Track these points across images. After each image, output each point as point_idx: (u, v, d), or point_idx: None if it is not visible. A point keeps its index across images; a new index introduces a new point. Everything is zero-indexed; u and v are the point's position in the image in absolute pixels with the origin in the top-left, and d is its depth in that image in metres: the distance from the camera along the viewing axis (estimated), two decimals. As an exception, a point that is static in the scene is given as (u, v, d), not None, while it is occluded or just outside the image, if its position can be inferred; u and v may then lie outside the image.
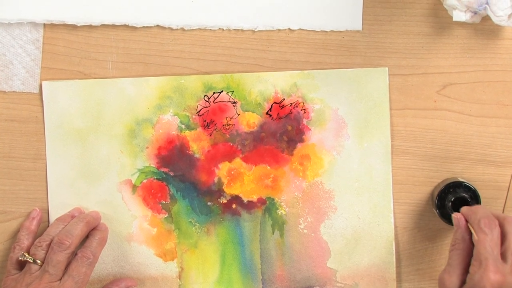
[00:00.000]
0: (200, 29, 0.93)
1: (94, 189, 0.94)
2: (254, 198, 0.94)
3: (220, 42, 0.93)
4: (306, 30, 0.93)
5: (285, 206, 0.93)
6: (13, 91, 0.94)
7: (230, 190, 0.94)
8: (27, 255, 0.89)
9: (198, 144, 0.94)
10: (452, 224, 0.86)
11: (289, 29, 0.93)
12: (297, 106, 0.93)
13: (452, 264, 0.80)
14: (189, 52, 0.93)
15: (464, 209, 0.82)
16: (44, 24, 0.93)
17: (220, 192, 0.94)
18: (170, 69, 0.93)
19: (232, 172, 0.94)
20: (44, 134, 0.94)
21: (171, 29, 0.93)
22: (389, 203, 0.93)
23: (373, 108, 0.93)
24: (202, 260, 0.94)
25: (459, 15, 0.88)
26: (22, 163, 0.94)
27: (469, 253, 0.80)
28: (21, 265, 0.90)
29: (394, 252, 0.94)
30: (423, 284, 0.94)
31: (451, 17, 0.88)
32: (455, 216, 0.82)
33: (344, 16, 0.92)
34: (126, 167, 0.94)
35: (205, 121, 0.94)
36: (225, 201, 0.94)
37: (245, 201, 0.94)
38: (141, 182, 0.94)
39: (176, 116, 0.94)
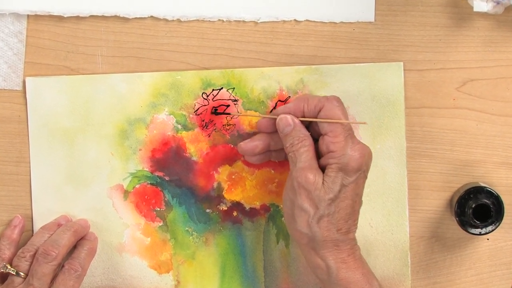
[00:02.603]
0: (198, 20, 0.93)
1: (82, 195, 0.94)
2: (257, 204, 0.94)
3: (220, 35, 0.93)
4: (314, 21, 0.93)
5: (290, 213, 0.93)
6: (-6, 88, 0.94)
7: (231, 196, 0.94)
8: (9, 267, 0.89)
9: (195, 146, 0.94)
10: (473, 233, 0.88)
11: (295, 20, 0.93)
12: None
13: (307, 160, 0.84)
14: (186, 46, 0.93)
15: (282, 108, 0.87)
16: (28, 15, 0.93)
17: (219, 198, 0.94)
18: (165, 64, 0.93)
19: (233, 177, 0.94)
20: (28, 135, 0.94)
21: (166, 20, 0.93)
22: (404, 210, 0.93)
23: (387, 106, 0.93)
24: (200, 273, 0.94)
25: (480, 5, 0.88)
26: (3, 167, 0.94)
27: (313, 145, 0.85)
28: (3, 277, 0.90)
29: (409, 263, 0.94)
30: (441, 298, 0.95)
31: (472, 7, 0.89)
32: (283, 119, 0.85)
33: (355, 6, 0.92)
34: (117, 171, 0.94)
35: (203, 120, 0.94)
36: (225, 208, 0.94)
37: (247, 208, 0.94)
38: (134, 187, 0.94)
39: (171, 116, 0.94)
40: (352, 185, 0.83)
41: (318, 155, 0.86)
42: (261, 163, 0.92)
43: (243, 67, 0.93)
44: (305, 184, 0.83)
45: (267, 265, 0.94)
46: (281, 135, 0.86)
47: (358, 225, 0.91)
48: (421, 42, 0.93)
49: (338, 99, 0.86)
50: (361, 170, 0.84)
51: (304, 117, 0.86)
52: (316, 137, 0.86)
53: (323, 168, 0.84)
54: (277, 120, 0.87)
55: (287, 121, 0.86)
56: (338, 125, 0.84)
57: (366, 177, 0.85)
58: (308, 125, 0.87)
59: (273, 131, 0.88)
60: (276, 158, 0.91)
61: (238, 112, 0.93)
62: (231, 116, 0.92)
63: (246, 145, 0.89)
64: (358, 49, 0.93)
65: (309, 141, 0.85)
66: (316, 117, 0.86)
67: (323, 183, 0.83)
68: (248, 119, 0.93)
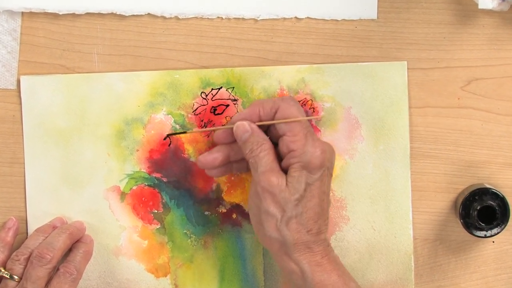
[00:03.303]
0: (196, 17, 0.93)
1: (78, 197, 0.94)
2: None
3: (219, 33, 0.93)
4: (315, 18, 0.93)
5: (291, 215, 0.93)
6: (-12, 87, 0.94)
7: (230, 198, 0.94)
8: (3, 270, 0.89)
9: (194, 147, 0.94)
10: (478, 236, 0.88)
11: (295, 17, 0.93)
12: (305, 105, 0.93)
13: (268, 163, 0.84)
14: (184, 44, 0.93)
15: (238, 116, 0.87)
16: (22, 13, 0.93)
17: (218, 200, 0.94)
18: (163, 62, 0.93)
19: (232, 178, 0.94)
20: (22, 135, 0.94)
21: (164, 17, 0.93)
22: (408, 212, 0.93)
23: (390, 106, 0.93)
24: (198, 276, 0.94)
25: (485, 2, 0.88)
26: (-3, 168, 0.94)
27: (273, 148, 0.85)
28: (-3, 281, 0.90)
29: (413, 267, 0.93)
30: (445, 303, 0.95)
31: (477, 4, 0.89)
32: (240, 126, 0.86)
33: (357, 3, 0.92)
34: (113, 172, 0.94)
35: (202, 121, 0.94)
36: (225, 211, 0.94)
37: (246, 211, 0.94)
38: (131, 189, 0.94)
39: (169, 115, 0.94)
40: (317, 183, 0.84)
41: (280, 158, 0.86)
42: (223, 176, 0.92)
43: (242, 65, 0.93)
44: (269, 188, 0.83)
45: (267, 269, 0.94)
46: (240, 142, 0.87)
47: (360, 228, 0.93)
48: (425, 40, 0.93)
49: (292, 98, 0.87)
50: (325, 167, 0.84)
51: (261, 121, 0.87)
52: (276, 141, 0.87)
53: (286, 170, 0.85)
54: (234, 128, 0.87)
55: (244, 127, 0.86)
56: (296, 123, 0.85)
57: (331, 175, 0.86)
58: (267, 130, 0.88)
59: (232, 141, 0.88)
60: (238, 170, 0.91)
61: (238, 112, 0.93)
62: (187, 133, 0.92)
63: (205, 158, 0.89)
64: (360, 47, 0.93)
65: (268, 144, 0.85)
66: (272, 120, 0.86)
67: (287, 184, 0.83)
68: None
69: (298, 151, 0.84)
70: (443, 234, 0.94)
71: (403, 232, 0.93)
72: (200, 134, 0.93)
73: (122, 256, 0.94)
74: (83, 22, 0.93)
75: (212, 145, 0.93)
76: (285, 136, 0.85)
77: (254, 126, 0.86)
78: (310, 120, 0.92)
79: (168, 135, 0.92)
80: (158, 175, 0.94)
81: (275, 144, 0.86)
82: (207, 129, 0.92)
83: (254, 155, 0.85)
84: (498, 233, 0.89)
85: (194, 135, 0.93)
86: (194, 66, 0.93)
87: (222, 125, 0.92)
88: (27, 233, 0.94)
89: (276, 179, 0.83)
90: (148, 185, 0.94)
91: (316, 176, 0.83)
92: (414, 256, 0.93)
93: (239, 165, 0.90)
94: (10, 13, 0.93)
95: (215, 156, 0.88)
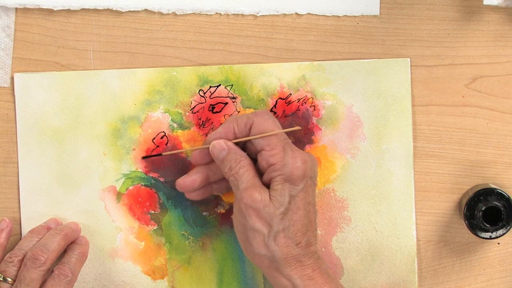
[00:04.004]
0: (194, 13, 0.93)
1: (73, 197, 0.94)
2: None
3: (218, 29, 0.93)
4: (316, 14, 0.93)
5: (291, 216, 0.93)
6: (-19, 85, 0.94)
7: (229, 198, 0.94)
8: (-4, 272, 0.89)
9: (192, 146, 0.93)
10: (483, 237, 0.88)
11: (296, 13, 0.93)
12: (305, 103, 0.93)
13: (249, 180, 0.84)
14: (182, 40, 0.93)
15: (213, 135, 0.87)
16: (16, 9, 0.93)
17: (217, 200, 0.94)
18: (160, 59, 0.93)
19: None
20: (16, 134, 0.94)
21: (161, 13, 0.93)
22: (411, 213, 0.93)
23: (393, 104, 0.93)
24: (196, 279, 0.94)
25: (491, -2, 0.89)
26: (-10, 167, 0.94)
27: (252, 164, 0.86)
28: (-11, 283, 0.90)
29: (416, 269, 0.93)
30: (449, 306, 0.95)
31: (481, 0, 0.89)
32: (216, 145, 0.86)
33: (359, -1, 0.92)
34: (109, 171, 0.94)
35: (200, 119, 0.93)
36: (223, 211, 0.94)
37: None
38: (127, 189, 0.94)
39: (167, 114, 0.94)
40: (301, 194, 0.84)
41: (260, 173, 0.86)
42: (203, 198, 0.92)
43: (242, 63, 0.93)
44: (252, 204, 0.83)
45: None
46: (218, 161, 0.87)
47: (362, 229, 0.93)
48: (428, 36, 0.93)
49: (266, 112, 0.87)
50: (307, 177, 0.84)
51: (236, 138, 0.87)
52: (254, 156, 0.87)
53: (267, 185, 0.85)
54: (210, 147, 0.87)
55: (221, 146, 0.86)
56: (273, 137, 0.85)
57: (315, 184, 0.86)
58: (244, 146, 0.88)
59: (209, 161, 0.89)
60: (218, 191, 0.91)
61: (237, 110, 0.93)
62: (163, 155, 0.92)
63: (184, 181, 0.89)
64: (362, 44, 0.93)
65: (247, 161, 0.86)
66: (248, 136, 0.86)
67: (270, 198, 0.83)
68: None
69: (278, 164, 0.84)
70: (447, 235, 0.94)
71: (406, 233, 0.93)
72: (198, 132, 0.93)
73: (118, 258, 0.94)
74: (78, 18, 0.93)
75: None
76: (263, 151, 0.85)
77: (230, 143, 0.87)
78: (311, 121, 0.92)
79: (143, 158, 0.93)
80: (155, 175, 0.94)
81: (254, 160, 0.87)
82: (182, 150, 0.92)
83: (233, 172, 0.85)
84: (503, 234, 0.89)
85: (191, 133, 0.93)
86: (192, 63, 0.93)
87: (199, 146, 0.91)
88: (20, 234, 0.94)
89: (259, 195, 0.84)
90: (144, 185, 0.94)
91: (299, 187, 0.84)
92: (417, 258, 0.93)
93: (218, 185, 0.90)
94: (4, 9, 0.93)
95: (194, 178, 0.89)
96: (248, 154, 0.87)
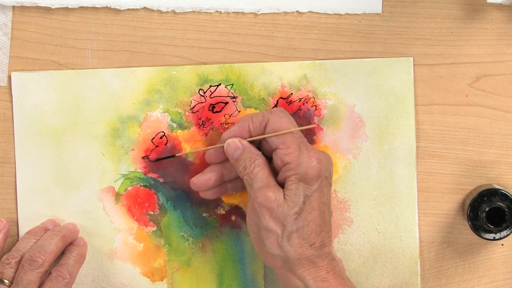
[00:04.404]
0: (194, 12, 0.93)
1: (70, 198, 0.94)
2: None
3: (218, 27, 0.93)
4: (317, 13, 0.93)
5: (292, 217, 0.93)
6: (-23, 84, 0.94)
7: (229, 199, 0.94)
8: (-7, 274, 0.89)
9: (192, 146, 0.94)
10: (487, 238, 0.88)
11: (297, 11, 0.93)
12: (307, 102, 0.93)
13: (263, 179, 0.84)
14: (182, 39, 0.93)
15: (227, 133, 0.87)
16: (13, 7, 0.93)
17: (217, 201, 0.94)
18: (159, 58, 0.93)
19: None
20: (13, 133, 0.94)
21: (160, 11, 0.93)
22: (414, 214, 0.93)
23: (395, 104, 0.93)
24: (196, 281, 0.94)
25: (495, -4, 0.89)
26: (-13, 168, 0.95)
27: (267, 163, 0.86)
28: (-14, 285, 0.90)
29: (419, 271, 0.94)
30: (453, 308, 0.95)
31: None
32: (231, 143, 0.86)
33: (361, -3, 0.93)
34: (108, 172, 0.94)
35: (200, 119, 0.93)
36: (223, 212, 0.94)
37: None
38: (126, 189, 0.94)
39: (166, 113, 0.93)
40: (316, 194, 0.83)
41: (275, 172, 0.86)
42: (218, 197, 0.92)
43: (242, 61, 0.93)
44: (266, 204, 0.83)
45: (268, 273, 0.94)
46: (232, 160, 0.87)
47: (365, 230, 0.93)
48: (431, 35, 0.93)
49: (282, 110, 0.87)
50: (322, 177, 0.84)
51: (251, 136, 0.87)
52: (269, 155, 0.87)
53: (282, 184, 0.85)
54: (224, 146, 0.87)
55: (236, 144, 0.86)
56: (288, 135, 0.85)
57: (330, 184, 0.86)
58: (259, 145, 0.88)
59: (224, 160, 0.89)
60: (233, 190, 0.91)
61: (237, 110, 0.93)
62: (176, 156, 0.92)
63: (199, 180, 0.89)
64: (364, 42, 0.93)
65: (261, 159, 0.85)
66: (263, 134, 0.86)
67: (284, 198, 0.83)
68: None
69: (293, 163, 0.84)
70: (450, 236, 0.94)
71: (409, 235, 0.93)
72: (197, 132, 0.93)
73: (116, 260, 0.94)
74: (76, 16, 0.93)
75: (207, 143, 0.93)
76: (278, 149, 0.85)
77: (245, 142, 0.86)
78: (312, 121, 0.92)
79: (156, 160, 0.93)
80: (154, 175, 0.93)
81: (269, 158, 0.87)
82: (196, 150, 0.92)
83: (248, 171, 0.85)
84: (507, 235, 0.89)
85: (191, 133, 0.93)
86: (191, 62, 0.93)
87: (214, 145, 0.91)
88: (18, 235, 0.94)
89: (273, 194, 0.83)
90: (143, 185, 0.94)
91: (314, 187, 0.83)
92: (420, 259, 0.93)
93: (233, 184, 0.90)
94: (1, 7, 0.93)
95: (209, 176, 0.89)
96: (263, 153, 0.87)
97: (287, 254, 0.83)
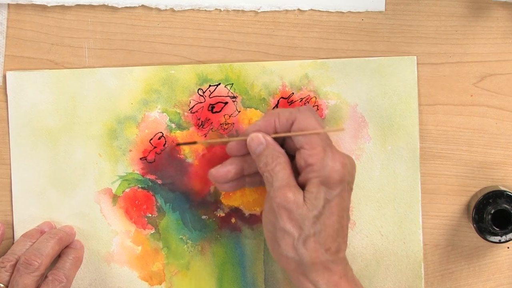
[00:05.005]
0: (193, 9, 0.93)
1: (67, 200, 0.94)
2: (257, 211, 0.94)
3: (217, 26, 0.93)
4: (319, 11, 0.93)
5: (293, 220, 0.94)
6: (-28, 84, 0.94)
7: (229, 201, 0.94)
8: (-12, 278, 0.89)
9: (191, 147, 0.93)
10: (492, 241, 0.88)
11: (298, 9, 0.93)
12: (308, 102, 0.93)
13: (284, 178, 0.83)
14: (180, 38, 0.93)
15: (252, 127, 0.86)
16: (8, 5, 0.93)
17: (216, 203, 0.94)
18: (157, 57, 0.93)
19: None
20: (8, 134, 0.94)
21: (158, 9, 0.93)
22: (417, 216, 0.93)
23: (399, 104, 0.93)
24: (195, 285, 0.94)
25: (500, -6, 0.90)
26: (-19, 169, 0.95)
27: (289, 162, 0.85)
28: (-19, 289, 0.90)
29: (423, 275, 0.93)
30: (457, 312, 0.95)
31: None
32: (254, 138, 0.85)
33: (364, -5, 0.93)
34: (105, 173, 0.94)
35: (199, 119, 0.93)
36: (223, 215, 0.94)
37: (246, 215, 0.94)
38: (123, 191, 0.94)
39: (164, 114, 0.93)
40: (337, 199, 0.83)
41: (296, 172, 0.85)
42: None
43: (242, 61, 0.93)
44: (285, 204, 0.82)
45: (268, 277, 0.94)
46: (254, 155, 0.86)
47: (367, 233, 0.93)
48: (435, 33, 0.93)
49: (310, 109, 0.86)
50: (345, 182, 0.83)
51: (276, 133, 0.86)
52: (292, 154, 0.86)
53: (303, 185, 0.84)
54: (247, 140, 0.86)
55: (259, 139, 0.85)
56: (314, 136, 0.84)
57: (351, 190, 0.85)
58: (283, 142, 0.87)
59: (245, 153, 0.88)
60: (251, 184, 0.90)
61: (237, 110, 0.93)
62: (198, 143, 0.92)
63: (218, 172, 0.88)
64: (367, 41, 0.93)
65: (284, 158, 0.85)
66: (289, 131, 0.85)
67: (304, 200, 0.83)
68: (248, 116, 0.93)
69: (317, 165, 0.83)
70: (455, 239, 0.94)
71: (413, 238, 0.93)
72: (196, 133, 0.93)
73: (114, 263, 0.94)
74: (73, 14, 0.93)
75: (207, 144, 0.93)
76: (303, 149, 0.84)
77: (269, 138, 0.86)
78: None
79: (178, 144, 0.92)
80: (152, 177, 0.93)
81: (292, 157, 0.86)
82: (219, 140, 0.92)
83: (269, 169, 0.84)
84: (513, 238, 0.89)
85: (190, 134, 0.93)
86: (190, 61, 0.93)
87: (236, 136, 0.91)
88: (13, 238, 0.94)
89: (292, 195, 0.82)
90: (141, 187, 0.94)
91: (336, 192, 0.83)
92: (424, 263, 0.93)
93: (252, 179, 0.89)
94: (-4, 5, 0.93)
95: (228, 169, 0.88)
96: (286, 151, 0.86)
97: (302, 258, 0.82)
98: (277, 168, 0.84)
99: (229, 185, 0.88)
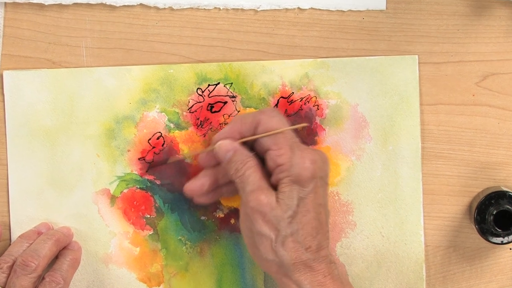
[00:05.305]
0: (191, 8, 0.93)
1: (64, 201, 0.94)
2: None
3: (216, 24, 0.93)
4: (319, 9, 0.93)
5: (294, 221, 0.94)
6: (-32, 83, 0.94)
7: (228, 202, 0.93)
8: (-16, 280, 0.89)
9: (189, 147, 0.93)
10: (494, 242, 0.89)
11: (298, 8, 0.93)
12: (308, 102, 0.93)
13: (255, 182, 0.83)
14: (179, 36, 0.93)
15: (218, 135, 0.87)
16: (5, 3, 0.93)
17: (216, 204, 0.94)
18: (156, 56, 0.93)
19: None
20: (5, 134, 0.94)
21: (157, 8, 0.93)
22: (419, 217, 0.93)
23: (400, 104, 0.93)
24: (194, 286, 0.94)
25: (502, -8, 0.90)
26: (-22, 170, 0.95)
27: (259, 165, 0.85)
28: (-22, 291, 0.90)
29: (424, 276, 0.93)
30: (459, 314, 0.95)
31: None
32: (222, 146, 0.85)
33: (364, -7, 0.93)
34: (103, 174, 0.94)
35: (198, 119, 0.93)
36: (222, 215, 0.94)
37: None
38: (121, 192, 0.94)
39: (163, 113, 0.93)
40: (311, 195, 0.83)
41: (268, 175, 0.85)
42: (213, 201, 0.91)
43: (241, 60, 0.93)
44: (258, 207, 0.82)
45: (268, 278, 0.94)
46: (224, 163, 0.86)
47: (368, 234, 0.93)
48: (437, 32, 0.92)
49: (273, 109, 0.87)
50: (317, 178, 0.83)
51: (243, 137, 0.86)
52: (262, 156, 0.86)
53: (276, 187, 0.84)
54: (215, 148, 0.86)
55: (226, 146, 0.86)
56: (280, 135, 0.84)
57: (327, 184, 0.85)
58: (252, 146, 0.87)
59: (217, 163, 0.88)
60: (228, 194, 0.90)
61: (237, 109, 0.93)
62: (168, 163, 0.92)
63: (192, 185, 0.88)
64: (368, 40, 0.93)
65: (253, 161, 0.85)
66: (255, 135, 0.85)
67: (277, 201, 0.82)
68: None
69: (286, 164, 0.83)
70: (456, 240, 0.94)
71: (414, 239, 0.93)
72: (196, 133, 0.93)
73: (112, 264, 0.94)
74: (70, 13, 0.93)
75: (206, 144, 0.93)
76: (270, 151, 0.84)
77: (236, 144, 0.86)
78: (314, 121, 0.92)
79: (148, 168, 0.92)
80: (150, 177, 0.93)
81: (263, 160, 0.86)
82: (187, 154, 0.92)
83: (239, 174, 0.84)
84: (516, 239, 0.90)
85: (189, 134, 0.93)
86: (189, 60, 0.93)
87: (206, 148, 0.91)
88: (10, 239, 0.94)
89: (265, 197, 0.82)
90: (140, 188, 0.93)
91: (309, 188, 0.82)
92: (425, 264, 0.93)
93: (228, 188, 0.89)
94: (-8, 3, 0.93)
95: (202, 181, 0.88)
96: (256, 155, 0.86)
97: (282, 259, 0.82)
98: (247, 172, 0.84)
99: (205, 197, 0.89)
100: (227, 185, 0.89)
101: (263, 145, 0.85)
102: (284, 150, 0.83)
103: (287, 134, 0.84)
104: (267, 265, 0.83)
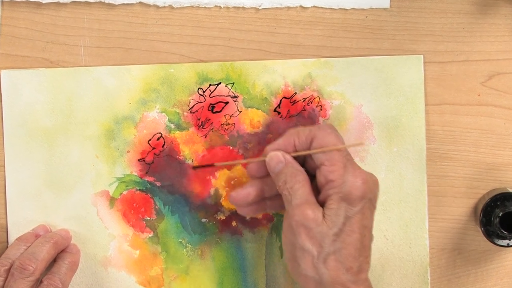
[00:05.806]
0: (192, 7, 0.93)
1: (63, 203, 0.94)
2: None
3: (217, 23, 0.93)
4: (322, 7, 0.93)
5: (296, 223, 0.94)
6: (-35, 83, 0.93)
7: (230, 204, 0.93)
8: (-19, 283, 0.89)
9: (190, 148, 0.93)
10: (500, 245, 0.88)
11: (301, 6, 0.93)
12: (311, 102, 0.93)
13: (303, 196, 0.83)
14: (179, 35, 0.93)
15: (271, 146, 0.86)
16: (2, 1, 0.93)
17: (217, 206, 0.94)
18: (156, 55, 0.93)
19: (232, 182, 0.94)
20: (3, 135, 0.93)
21: (156, 6, 0.93)
22: (424, 220, 0.93)
23: (405, 104, 0.92)
24: None
25: (508, -10, 0.90)
26: (-26, 171, 0.94)
27: (308, 180, 0.85)
28: (-25, 294, 0.90)
29: (429, 280, 0.93)
30: (464, 318, 0.95)
31: None
32: (274, 157, 0.85)
33: (368, -9, 0.93)
34: (102, 175, 0.93)
35: (199, 119, 0.93)
36: (223, 218, 0.94)
37: (247, 218, 0.94)
38: (121, 193, 0.94)
39: (163, 113, 0.93)
40: (358, 216, 0.82)
41: (317, 192, 0.85)
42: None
43: (243, 59, 0.93)
44: (304, 222, 0.82)
45: (270, 282, 0.94)
46: (273, 174, 0.86)
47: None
48: (442, 31, 0.93)
49: (330, 126, 0.86)
50: (366, 199, 0.82)
51: (296, 151, 0.86)
52: (313, 173, 0.86)
53: (323, 204, 0.83)
54: (266, 159, 0.86)
55: (278, 158, 0.85)
56: (335, 152, 0.84)
57: (374, 208, 0.84)
58: (303, 162, 0.87)
59: (265, 174, 0.87)
60: (272, 208, 0.89)
61: (238, 110, 0.93)
62: (215, 166, 0.92)
63: (238, 194, 0.88)
64: (371, 39, 0.93)
65: (303, 176, 0.84)
66: (309, 149, 0.85)
67: (324, 217, 0.82)
68: (249, 117, 0.93)
69: (337, 181, 0.82)
70: (462, 243, 0.94)
71: (419, 242, 0.93)
72: (197, 133, 0.93)
73: (111, 268, 0.94)
74: (68, 11, 0.93)
75: (207, 145, 0.92)
76: (323, 166, 0.84)
77: (288, 156, 0.85)
78: (317, 121, 0.92)
79: (194, 167, 0.92)
80: (150, 178, 0.93)
81: (313, 178, 0.85)
82: (237, 161, 0.92)
83: (288, 187, 0.84)
84: (522, 242, 0.89)
85: (190, 135, 0.93)
86: (190, 60, 0.93)
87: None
88: (7, 242, 0.94)
89: (311, 212, 0.82)
90: (139, 189, 0.93)
91: (357, 208, 0.82)
92: (430, 267, 0.93)
93: (273, 202, 0.88)
94: (-11, 2, 0.94)
95: (248, 191, 0.87)
96: (306, 171, 0.85)
97: (322, 277, 0.81)
98: (296, 186, 0.83)
99: (250, 208, 0.88)
100: (272, 199, 0.88)
101: (316, 161, 0.84)
102: (337, 167, 0.83)
103: (342, 151, 0.84)
104: (305, 281, 0.83)
